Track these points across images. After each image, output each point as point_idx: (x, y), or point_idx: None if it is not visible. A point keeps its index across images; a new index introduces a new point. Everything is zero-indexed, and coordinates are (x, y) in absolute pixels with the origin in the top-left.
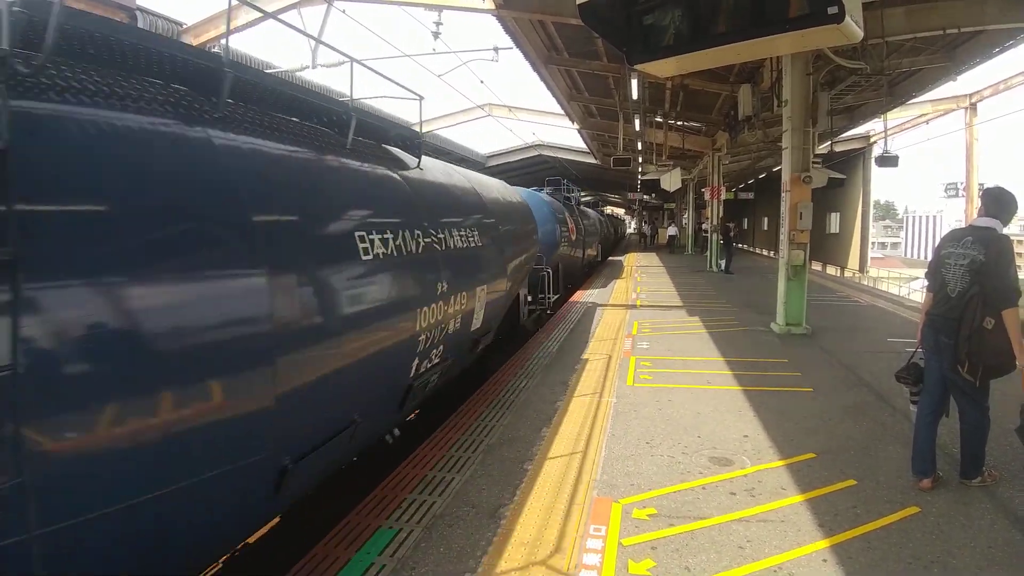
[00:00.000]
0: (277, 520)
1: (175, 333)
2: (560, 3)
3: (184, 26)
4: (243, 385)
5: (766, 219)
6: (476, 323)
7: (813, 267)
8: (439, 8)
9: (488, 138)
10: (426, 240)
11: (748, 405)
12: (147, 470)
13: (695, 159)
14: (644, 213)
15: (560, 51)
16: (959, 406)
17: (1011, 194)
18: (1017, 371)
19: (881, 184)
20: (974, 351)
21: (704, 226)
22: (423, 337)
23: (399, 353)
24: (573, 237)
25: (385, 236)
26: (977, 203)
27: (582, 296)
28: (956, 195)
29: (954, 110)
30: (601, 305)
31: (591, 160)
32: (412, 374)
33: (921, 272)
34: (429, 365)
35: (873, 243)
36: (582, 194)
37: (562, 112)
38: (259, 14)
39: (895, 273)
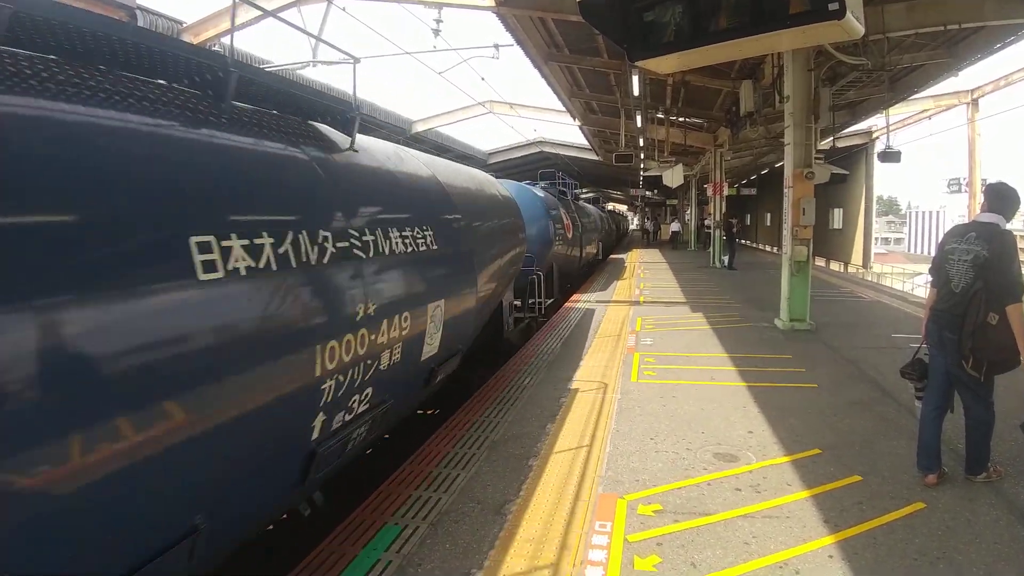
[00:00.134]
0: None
1: None
2: (560, 0)
3: (184, 24)
4: None
5: (769, 215)
6: (430, 349)
7: (816, 263)
8: (439, 5)
9: (489, 135)
10: (339, 245)
11: (752, 401)
12: None
13: (697, 155)
14: (647, 209)
15: (561, 48)
16: (964, 402)
17: (1013, 189)
18: (1022, 366)
19: (884, 180)
20: (978, 347)
21: (706, 222)
22: (330, 383)
23: (285, 410)
24: (569, 235)
25: (256, 243)
26: (980, 198)
27: (579, 299)
28: (959, 191)
29: (956, 106)
30: (605, 302)
31: (593, 157)
32: (316, 436)
33: (924, 267)
34: (348, 418)
35: (876, 239)
36: (584, 191)
37: (563, 109)
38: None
39: (898, 268)
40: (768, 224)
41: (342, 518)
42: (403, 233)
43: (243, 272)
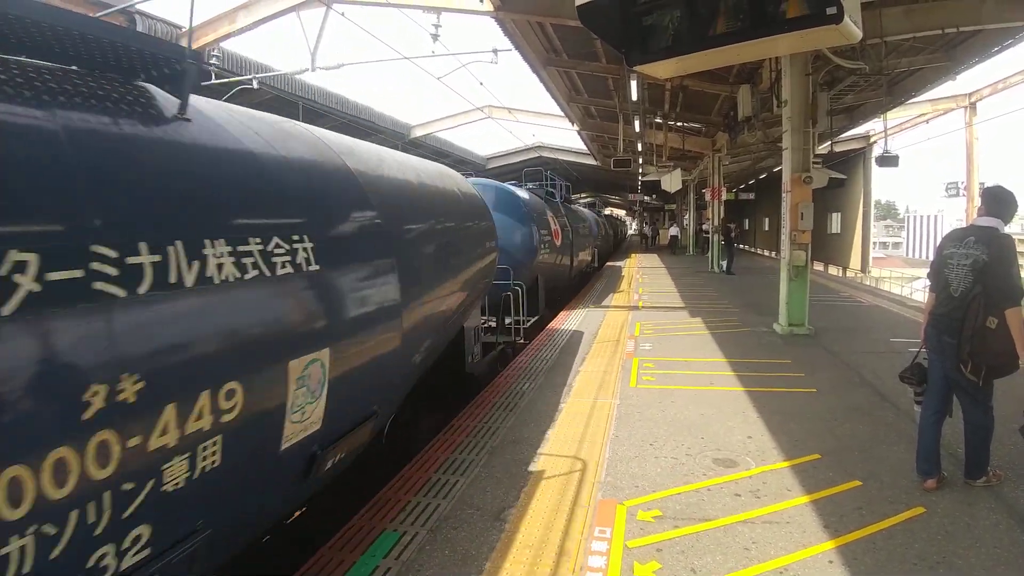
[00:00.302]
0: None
1: None
2: (559, 4)
3: (182, 29)
4: None
5: (767, 219)
6: (299, 428)
7: (815, 267)
8: (437, 10)
9: (488, 140)
10: (65, 276)
11: (752, 406)
12: None
13: (695, 160)
14: (645, 214)
15: (559, 53)
16: (963, 406)
17: (1011, 192)
18: (1021, 371)
19: (882, 184)
20: (977, 351)
21: (705, 227)
22: (20, 542)
23: None
24: (558, 241)
25: None
26: (978, 202)
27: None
28: (957, 194)
29: (954, 109)
30: (602, 307)
31: (591, 161)
32: None
33: (923, 272)
34: None
35: (874, 243)
36: (582, 196)
37: (562, 114)
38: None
39: (897, 273)
40: (766, 228)
41: (341, 524)
42: (240, 248)
43: None
